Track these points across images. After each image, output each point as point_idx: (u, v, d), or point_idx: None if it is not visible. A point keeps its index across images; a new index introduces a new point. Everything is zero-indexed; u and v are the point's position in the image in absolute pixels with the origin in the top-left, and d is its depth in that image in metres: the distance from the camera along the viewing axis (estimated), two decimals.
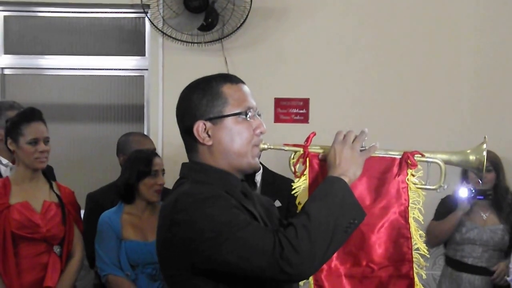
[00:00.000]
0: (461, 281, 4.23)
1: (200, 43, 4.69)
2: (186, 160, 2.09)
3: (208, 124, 1.97)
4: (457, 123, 4.71)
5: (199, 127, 1.98)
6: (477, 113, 4.73)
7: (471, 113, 4.74)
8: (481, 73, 4.79)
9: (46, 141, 3.44)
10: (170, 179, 3.72)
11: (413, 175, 2.13)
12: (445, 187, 2.17)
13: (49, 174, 3.72)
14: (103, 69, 5.09)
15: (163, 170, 3.66)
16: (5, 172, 3.89)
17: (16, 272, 3.30)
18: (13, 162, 3.49)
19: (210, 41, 4.70)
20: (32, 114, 3.45)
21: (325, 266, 2.06)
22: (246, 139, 1.98)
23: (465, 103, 4.78)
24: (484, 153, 2.15)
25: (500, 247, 4.25)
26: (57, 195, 3.52)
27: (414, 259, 2.13)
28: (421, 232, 2.17)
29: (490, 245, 4.20)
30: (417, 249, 2.15)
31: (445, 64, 4.80)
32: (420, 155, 2.13)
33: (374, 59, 4.79)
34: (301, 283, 2.09)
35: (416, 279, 2.14)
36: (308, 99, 4.78)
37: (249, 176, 2.12)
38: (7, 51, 5.09)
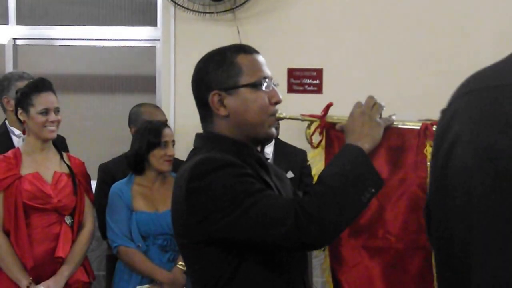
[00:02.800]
0: None
1: (212, 13, 4.66)
2: (198, 131, 2.08)
3: (224, 94, 1.97)
4: None
5: (215, 98, 1.98)
6: None
7: None
8: (501, 39, 4.71)
9: (57, 111, 3.44)
10: (182, 150, 3.72)
11: (431, 146, 2.09)
12: None
13: (61, 145, 3.73)
14: (115, 39, 5.07)
15: (173, 141, 3.65)
16: (18, 142, 3.90)
17: (28, 243, 3.31)
18: (24, 132, 3.48)
19: (223, 11, 4.65)
20: (42, 85, 3.44)
21: (342, 238, 2.05)
22: (261, 109, 1.98)
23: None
24: None
25: None
26: (67, 165, 3.52)
27: None
28: None
29: None
30: None
31: (463, 31, 4.73)
32: None
33: (389, 28, 4.73)
34: (317, 252, 2.08)
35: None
36: (322, 69, 4.74)
37: (264, 143, 2.12)
38: (19, 22, 5.08)
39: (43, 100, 3.39)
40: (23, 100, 3.39)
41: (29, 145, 3.45)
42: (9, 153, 3.43)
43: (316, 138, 2.15)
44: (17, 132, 3.93)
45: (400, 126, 2.09)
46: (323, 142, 2.15)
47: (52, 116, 3.40)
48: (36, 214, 3.35)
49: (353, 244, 2.12)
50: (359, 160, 1.86)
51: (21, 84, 3.84)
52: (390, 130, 2.04)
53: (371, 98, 2.02)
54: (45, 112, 3.38)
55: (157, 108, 4.39)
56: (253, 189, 1.82)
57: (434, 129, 2.08)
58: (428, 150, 2.09)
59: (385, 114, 2.04)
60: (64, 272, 3.39)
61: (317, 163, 2.16)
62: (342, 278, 2.14)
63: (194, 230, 1.88)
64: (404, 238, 2.11)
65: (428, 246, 2.11)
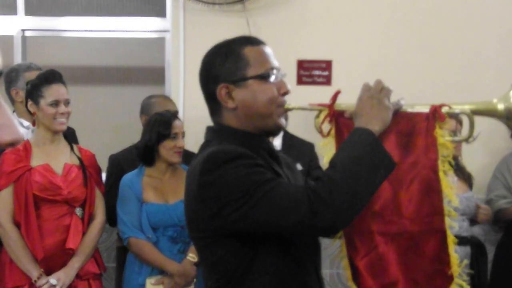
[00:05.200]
0: None
1: (221, 4, 4.64)
2: (208, 123, 2.09)
3: (232, 87, 1.97)
4: (483, 86, 4.62)
5: (222, 91, 1.98)
6: (503, 76, 4.64)
7: (496, 79, 4.64)
8: (508, 31, 4.70)
9: (67, 103, 3.45)
10: (191, 141, 3.72)
11: (441, 128, 2.09)
12: (475, 137, 2.13)
13: (71, 136, 3.74)
14: (124, 30, 5.06)
15: (183, 132, 3.65)
16: (27, 134, 3.89)
17: (38, 234, 3.32)
18: (33, 124, 3.49)
19: (232, 2, 4.63)
20: (52, 76, 3.45)
21: (356, 225, 2.04)
22: (270, 100, 1.98)
23: (491, 64, 4.69)
24: None
25: (473, 215, 4.05)
26: (78, 157, 3.53)
27: (445, 212, 2.10)
28: (451, 185, 2.13)
29: (466, 213, 3.96)
30: (449, 202, 2.11)
31: (471, 22, 4.71)
32: (448, 107, 2.08)
33: (398, 20, 4.71)
34: (332, 242, 2.09)
35: (448, 231, 2.11)
36: (331, 61, 4.72)
37: (273, 135, 2.13)
38: (28, 13, 5.08)
39: (53, 92, 3.40)
40: (33, 92, 3.40)
41: (39, 137, 3.46)
42: (19, 145, 3.43)
43: (325, 127, 2.15)
44: (26, 123, 3.93)
45: (409, 110, 2.09)
46: (333, 131, 2.14)
47: (62, 108, 3.41)
48: (46, 206, 3.36)
49: (368, 231, 2.11)
50: (369, 142, 1.87)
51: (29, 74, 3.87)
52: (399, 114, 2.05)
53: (379, 81, 2.02)
54: (55, 103, 3.39)
55: (169, 99, 4.38)
56: (265, 179, 1.83)
57: (443, 111, 2.07)
58: (438, 132, 2.08)
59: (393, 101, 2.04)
60: (74, 264, 3.41)
61: (327, 152, 2.15)
62: (360, 265, 2.13)
63: (208, 223, 1.89)
64: (419, 222, 2.09)
65: (443, 227, 2.10)
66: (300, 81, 4.71)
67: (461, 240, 3.86)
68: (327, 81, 4.71)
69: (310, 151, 4.18)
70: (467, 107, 2.11)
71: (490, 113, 2.14)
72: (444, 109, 2.08)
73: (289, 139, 4.20)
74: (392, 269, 2.11)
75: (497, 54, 4.70)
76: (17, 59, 4.95)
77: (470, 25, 4.70)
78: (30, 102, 3.42)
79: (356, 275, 2.14)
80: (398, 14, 4.71)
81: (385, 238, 2.11)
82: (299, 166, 3.93)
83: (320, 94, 4.51)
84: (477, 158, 4.55)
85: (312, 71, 4.71)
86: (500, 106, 2.10)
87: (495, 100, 2.12)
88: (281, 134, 4.13)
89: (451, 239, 2.12)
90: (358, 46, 4.72)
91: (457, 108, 2.10)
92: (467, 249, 3.97)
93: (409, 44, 4.71)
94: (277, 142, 4.13)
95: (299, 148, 4.16)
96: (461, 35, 4.70)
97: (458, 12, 4.70)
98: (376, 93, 1.98)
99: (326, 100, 2.15)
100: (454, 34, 4.70)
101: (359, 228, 2.09)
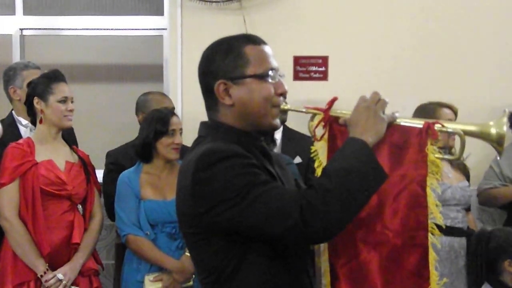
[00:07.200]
0: (441, 245, 3.88)
1: (218, 2, 4.66)
2: (206, 119, 2.09)
3: (230, 84, 1.98)
4: (481, 84, 4.63)
5: (220, 87, 1.99)
6: (503, 79, 4.65)
7: (496, 80, 4.65)
8: (501, 29, 4.71)
9: (71, 101, 3.51)
10: (190, 138, 3.72)
11: (432, 145, 2.09)
12: (465, 157, 2.13)
13: (69, 134, 3.76)
14: (122, 29, 5.08)
15: (181, 129, 3.65)
16: (25, 132, 3.90)
17: (45, 228, 3.34)
18: (41, 122, 3.49)
19: (229, 0, 4.65)
20: (60, 75, 3.51)
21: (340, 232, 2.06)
22: (265, 99, 1.98)
23: (488, 61, 4.71)
24: (505, 128, 2.08)
25: (468, 205, 4.10)
26: (78, 156, 3.57)
27: (429, 228, 2.10)
28: (437, 202, 2.13)
29: (462, 203, 3.98)
30: (433, 218, 2.11)
31: (466, 20, 4.72)
32: (441, 126, 2.08)
33: (394, 16, 4.72)
34: (316, 246, 2.09)
35: (430, 248, 2.11)
36: (327, 57, 4.74)
37: (268, 134, 2.13)
38: (26, 12, 5.09)
39: (62, 89, 3.46)
40: (42, 89, 3.43)
41: (42, 134, 3.48)
42: (21, 141, 3.47)
43: (319, 131, 2.16)
44: (24, 122, 3.94)
45: (402, 123, 2.09)
46: (326, 136, 2.16)
47: (70, 105, 3.48)
48: (51, 202, 3.39)
49: (352, 238, 2.12)
50: (363, 154, 1.87)
51: (27, 73, 3.89)
52: (393, 126, 2.05)
53: (376, 93, 2.02)
54: (64, 100, 3.44)
55: (165, 96, 4.39)
56: (259, 181, 1.83)
57: (436, 128, 2.08)
58: (429, 148, 2.08)
59: (389, 105, 2.05)
60: (79, 259, 3.46)
61: (319, 155, 2.17)
62: (340, 272, 2.14)
63: (199, 220, 1.89)
64: (402, 234, 2.10)
65: (426, 243, 2.11)
66: (296, 77, 4.72)
67: (457, 231, 3.90)
68: (324, 76, 4.72)
69: (311, 144, 4.17)
70: (459, 127, 2.11)
71: (481, 136, 2.13)
72: (437, 127, 2.08)
73: (289, 132, 4.20)
74: (372, 279, 2.11)
75: (497, 56, 4.71)
76: (16, 58, 4.96)
77: (464, 24, 4.71)
78: (36, 100, 3.44)
79: (334, 282, 2.16)
80: (394, 10, 4.72)
81: (368, 247, 2.12)
82: (298, 159, 3.94)
83: (316, 90, 4.56)
84: (474, 152, 4.56)
85: (309, 67, 4.73)
86: (492, 131, 2.10)
87: (490, 123, 2.11)
88: (281, 128, 4.14)
89: (432, 257, 2.12)
90: (354, 42, 4.73)
91: (449, 127, 2.11)
92: (462, 240, 3.98)
93: (405, 40, 4.72)
94: (277, 135, 4.13)
95: (299, 141, 4.15)
96: (459, 33, 4.70)
97: (456, 10, 4.71)
98: (372, 104, 1.99)
99: (323, 95, 2.16)
100: (451, 31, 4.71)
101: (343, 235, 2.08)
